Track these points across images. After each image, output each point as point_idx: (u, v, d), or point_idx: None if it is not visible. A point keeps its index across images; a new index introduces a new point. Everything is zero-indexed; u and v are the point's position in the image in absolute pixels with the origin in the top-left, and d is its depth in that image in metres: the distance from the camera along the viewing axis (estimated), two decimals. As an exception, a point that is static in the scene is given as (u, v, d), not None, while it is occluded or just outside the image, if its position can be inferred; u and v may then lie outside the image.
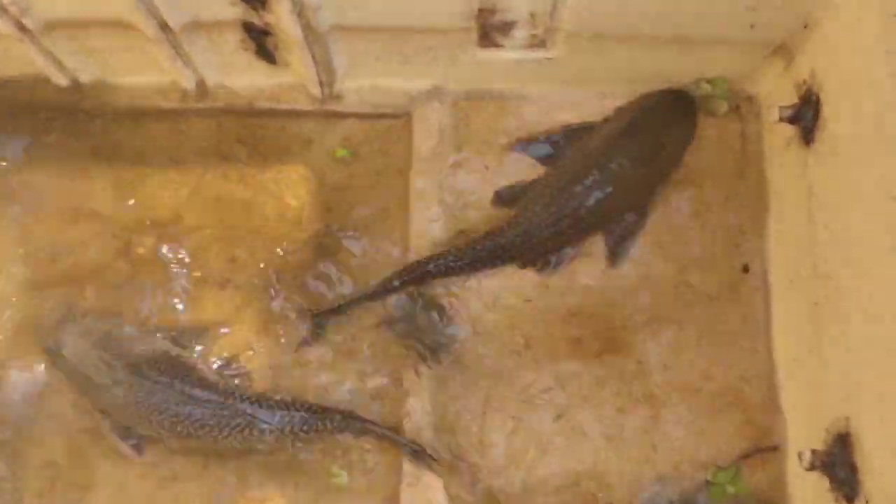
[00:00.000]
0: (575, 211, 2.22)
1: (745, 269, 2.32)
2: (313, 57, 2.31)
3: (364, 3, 2.10)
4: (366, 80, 2.46)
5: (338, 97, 2.49)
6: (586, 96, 2.42)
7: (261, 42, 2.31)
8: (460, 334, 2.30)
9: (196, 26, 2.24)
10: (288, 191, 2.46)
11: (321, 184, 2.47)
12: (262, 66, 2.42)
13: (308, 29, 2.18)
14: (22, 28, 2.19)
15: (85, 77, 2.50)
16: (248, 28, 2.25)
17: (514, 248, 2.25)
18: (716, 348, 2.28)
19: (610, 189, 2.21)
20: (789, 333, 2.21)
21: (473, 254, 2.25)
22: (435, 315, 2.31)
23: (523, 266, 2.32)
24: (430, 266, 2.26)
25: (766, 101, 2.38)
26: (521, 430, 2.25)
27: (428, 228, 2.36)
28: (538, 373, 2.28)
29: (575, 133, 2.36)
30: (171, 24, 2.19)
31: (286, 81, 2.48)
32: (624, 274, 2.32)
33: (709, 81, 2.36)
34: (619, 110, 2.36)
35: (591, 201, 2.20)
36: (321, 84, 2.44)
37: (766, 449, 2.20)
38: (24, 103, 2.51)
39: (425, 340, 2.28)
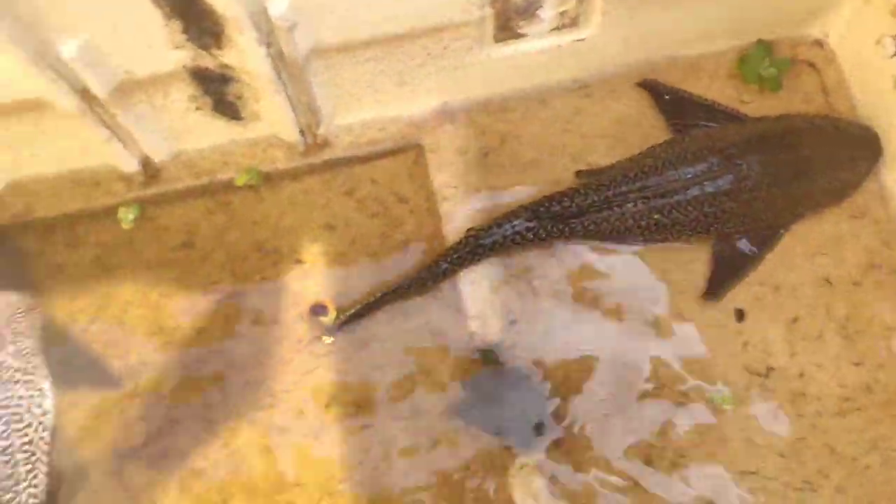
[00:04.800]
0: (671, 195, 1.74)
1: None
2: (289, 99, 1.79)
3: (352, 5, 1.60)
4: (356, 115, 1.95)
5: (324, 144, 1.96)
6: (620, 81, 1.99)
7: (219, 93, 1.78)
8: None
9: (128, 88, 1.70)
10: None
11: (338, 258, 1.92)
12: (221, 125, 1.89)
13: (280, 61, 1.67)
14: None
15: (-7, 185, 1.92)
16: (200, 76, 1.71)
17: (585, 218, 1.77)
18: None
19: (727, 186, 1.73)
20: None
21: (531, 215, 1.78)
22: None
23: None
24: (485, 238, 1.79)
25: (844, 43, 1.97)
26: None
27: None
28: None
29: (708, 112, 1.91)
30: (94, 91, 1.65)
31: (260, 137, 1.94)
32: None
33: (772, 64, 1.95)
34: (783, 117, 1.91)
35: (696, 192, 1.73)
36: (303, 132, 1.91)
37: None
38: None
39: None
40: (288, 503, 1.73)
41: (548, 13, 1.75)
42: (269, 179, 1.97)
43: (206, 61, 1.66)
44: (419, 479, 1.74)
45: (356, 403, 1.79)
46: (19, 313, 1.84)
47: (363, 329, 1.84)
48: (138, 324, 1.88)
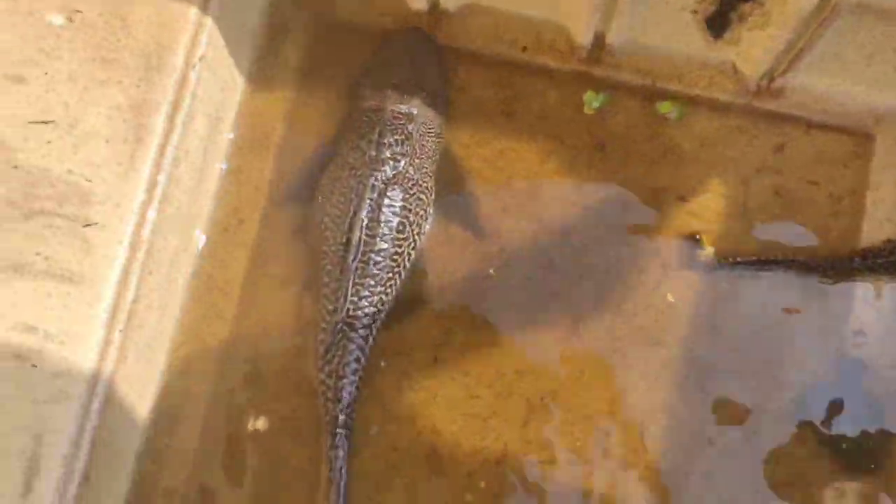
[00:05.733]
0: None
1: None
2: (788, 40, 1.69)
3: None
4: (820, 80, 1.84)
5: (777, 94, 1.87)
6: None
7: (729, 5, 1.70)
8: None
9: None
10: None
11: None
12: (695, 37, 1.81)
13: (825, 2, 1.57)
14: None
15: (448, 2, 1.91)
16: (730, -15, 1.63)
17: None
18: None
19: None
20: None
21: None
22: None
23: None
24: None
25: None
26: None
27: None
28: None
29: None
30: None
31: (715, 62, 1.86)
32: None
33: None
34: None
35: None
36: (764, 74, 1.83)
37: None
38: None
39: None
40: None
41: None
42: (698, 104, 1.91)
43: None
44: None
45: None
46: (430, 133, 1.87)
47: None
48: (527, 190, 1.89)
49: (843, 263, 1.76)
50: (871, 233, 1.80)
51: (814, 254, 1.77)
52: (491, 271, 1.86)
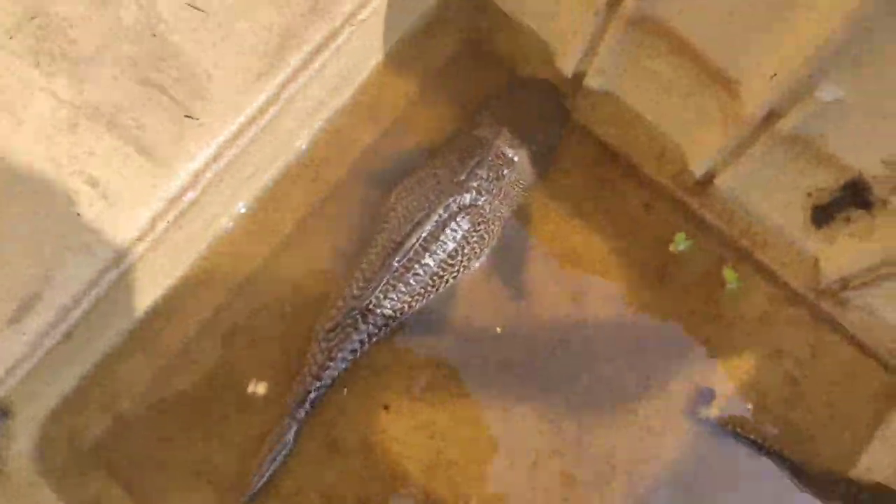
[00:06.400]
0: None
1: None
2: (880, 260, 1.74)
3: None
4: (889, 312, 1.87)
5: (840, 301, 1.90)
6: None
7: (839, 207, 1.75)
8: None
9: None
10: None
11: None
12: (798, 217, 1.85)
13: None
14: None
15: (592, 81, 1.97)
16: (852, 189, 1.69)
17: None
18: None
19: None
20: None
21: None
22: None
23: None
24: None
25: None
26: None
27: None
28: None
29: None
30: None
31: (802, 247, 1.91)
32: None
33: None
34: None
35: None
36: (839, 280, 1.87)
37: None
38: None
39: None
40: None
41: None
42: (764, 277, 1.95)
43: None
44: None
45: None
46: (520, 184, 1.92)
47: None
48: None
49: (829, 483, 1.77)
50: (869, 467, 1.81)
51: (809, 461, 1.79)
52: (498, 329, 1.89)
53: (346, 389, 1.81)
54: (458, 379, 1.85)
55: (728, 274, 1.92)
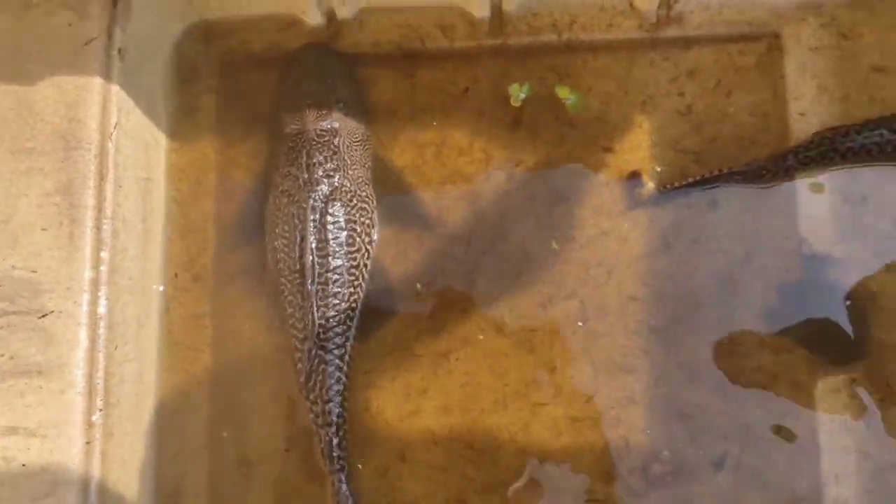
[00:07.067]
0: None
1: None
2: (673, -37, 1.73)
3: None
4: (716, -7, 1.88)
5: (676, 19, 1.90)
6: None
7: (607, -53, 1.73)
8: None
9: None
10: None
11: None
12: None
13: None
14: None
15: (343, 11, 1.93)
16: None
17: None
18: None
19: None
20: None
21: None
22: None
23: None
24: (841, 143, 1.75)
25: None
26: None
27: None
28: None
29: None
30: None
31: (612, 3, 1.89)
32: None
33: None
34: None
35: None
36: (661, 4, 1.86)
37: None
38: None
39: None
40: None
41: None
42: (603, 50, 1.93)
43: None
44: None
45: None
46: (357, 142, 1.89)
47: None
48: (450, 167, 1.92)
49: (778, 164, 1.79)
50: (799, 131, 1.82)
51: (748, 162, 1.80)
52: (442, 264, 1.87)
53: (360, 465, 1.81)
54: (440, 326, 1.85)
55: (560, 91, 1.88)
